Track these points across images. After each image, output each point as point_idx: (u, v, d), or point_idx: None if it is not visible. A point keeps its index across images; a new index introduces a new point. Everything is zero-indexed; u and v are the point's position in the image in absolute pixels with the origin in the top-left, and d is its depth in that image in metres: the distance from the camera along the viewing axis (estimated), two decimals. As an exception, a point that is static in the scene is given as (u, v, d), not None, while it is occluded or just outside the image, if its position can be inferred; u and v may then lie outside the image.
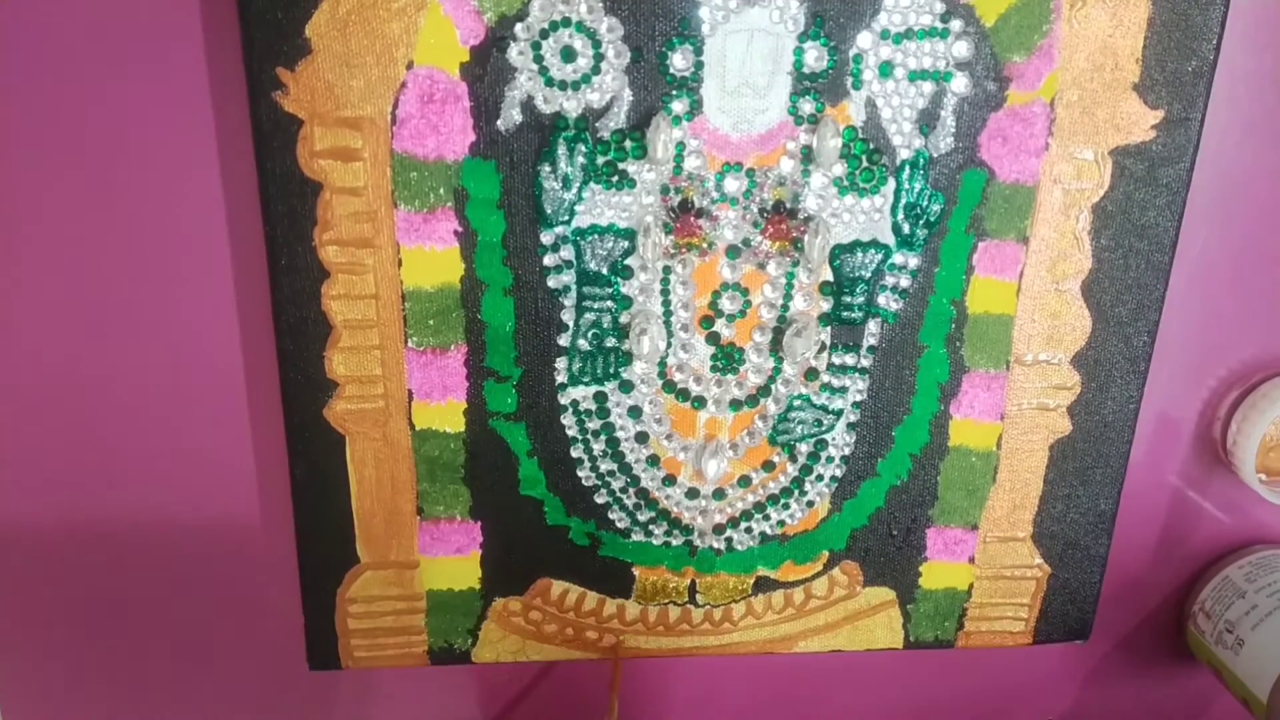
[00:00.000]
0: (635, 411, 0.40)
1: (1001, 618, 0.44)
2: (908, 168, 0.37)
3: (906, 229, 0.38)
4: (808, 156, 0.36)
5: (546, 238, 0.37)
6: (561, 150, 0.36)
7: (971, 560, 0.43)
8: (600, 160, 0.36)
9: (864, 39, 0.35)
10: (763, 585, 0.43)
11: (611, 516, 0.41)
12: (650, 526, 0.41)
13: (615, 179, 0.36)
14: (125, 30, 0.36)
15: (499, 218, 0.36)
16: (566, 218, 0.37)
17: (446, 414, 0.39)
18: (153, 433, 0.41)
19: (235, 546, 0.43)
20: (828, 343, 0.39)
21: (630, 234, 0.37)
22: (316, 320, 0.37)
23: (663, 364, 0.39)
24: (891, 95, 0.36)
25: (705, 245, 0.37)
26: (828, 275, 0.38)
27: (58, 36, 0.36)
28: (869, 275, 0.38)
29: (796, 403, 0.40)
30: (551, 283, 0.37)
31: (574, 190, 0.36)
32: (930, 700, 0.50)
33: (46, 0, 0.35)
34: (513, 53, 0.34)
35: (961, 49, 0.35)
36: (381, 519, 0.40)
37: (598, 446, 0.40)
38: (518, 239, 0.37)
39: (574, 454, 0.40)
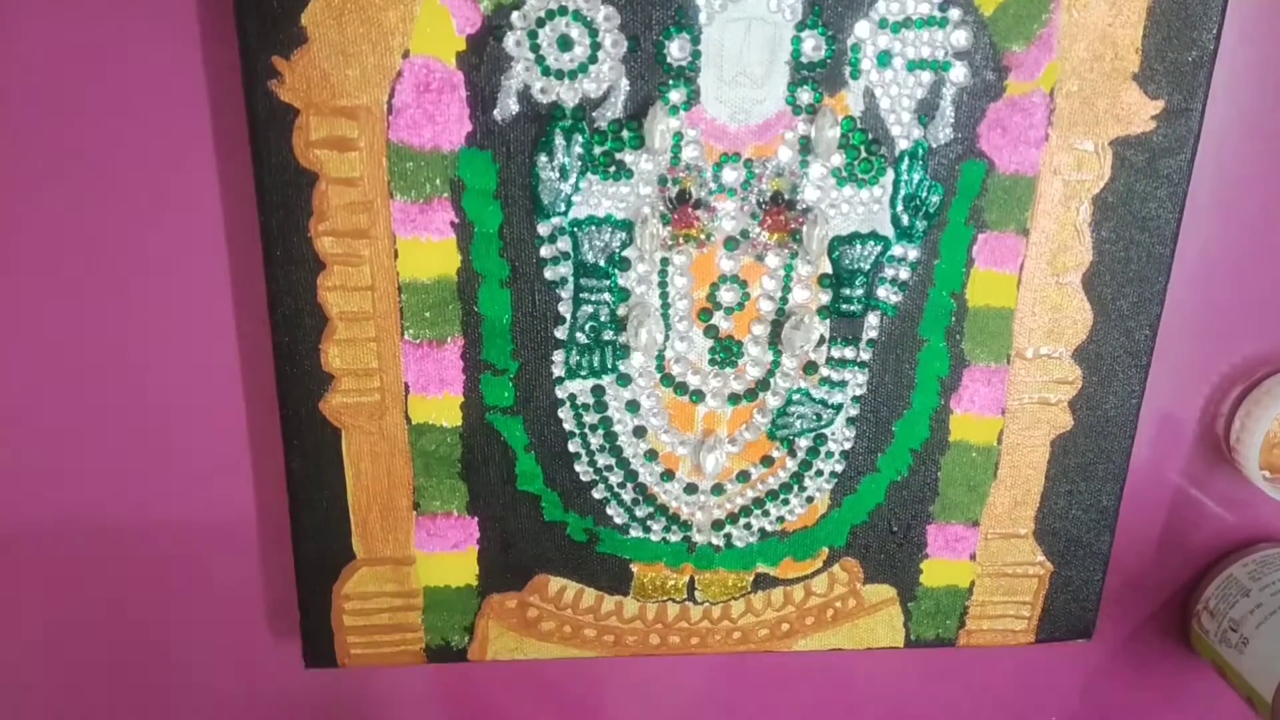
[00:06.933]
0: (633, 405, 0.39)
1: (1003, 616, 0.44)
2: (907, 158, 0.36)
3: (906, 221, 0.37)
4: (806, 147, 0.36)
5: (543, 229, 0.37)
6: (558, 140, 0.35)
7: (973, 557, 0.43)
8: (597, 150, 0.36)
9: (862, 28, 0.35)
10: (762, 582, 0.43)
11: (609, 512, 0.41)
12: (648, 522, 0.41)
13: (612, 169, 0.36)
14: (120, 18, 0.36)
15: (496, 208, 0.36)
16: (563, 209, 0.36)
17: (443, 408, 0.39)
18: (147, 427, 0.41)
19: (230, 541, 0.43)
20: (827, 336, 0.39)
21: (628, 225, 0.37)
22: (312, 312, 0.37)
23: (660, 357, 0.39)
24: (890, 85, 0.36)
25: (703, 237, 0.37)
26: (826, 267, 0.38)
27: (53, 25, 0.36)
28: (868, 267, 0.38)
29: (796, 397, 0.40)
30: (548, 274, 0.37)
31: (571, 181, 0.36)
32: (931, 700, 0.49)
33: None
34: (509, 42, 0.34)
35: (960, 38, 0.35)
36: (378, 514, 0.40)
37: (595, 441, 0.40)
38: (514, 230, 0.37)
39: (571, 448, 0.40)
